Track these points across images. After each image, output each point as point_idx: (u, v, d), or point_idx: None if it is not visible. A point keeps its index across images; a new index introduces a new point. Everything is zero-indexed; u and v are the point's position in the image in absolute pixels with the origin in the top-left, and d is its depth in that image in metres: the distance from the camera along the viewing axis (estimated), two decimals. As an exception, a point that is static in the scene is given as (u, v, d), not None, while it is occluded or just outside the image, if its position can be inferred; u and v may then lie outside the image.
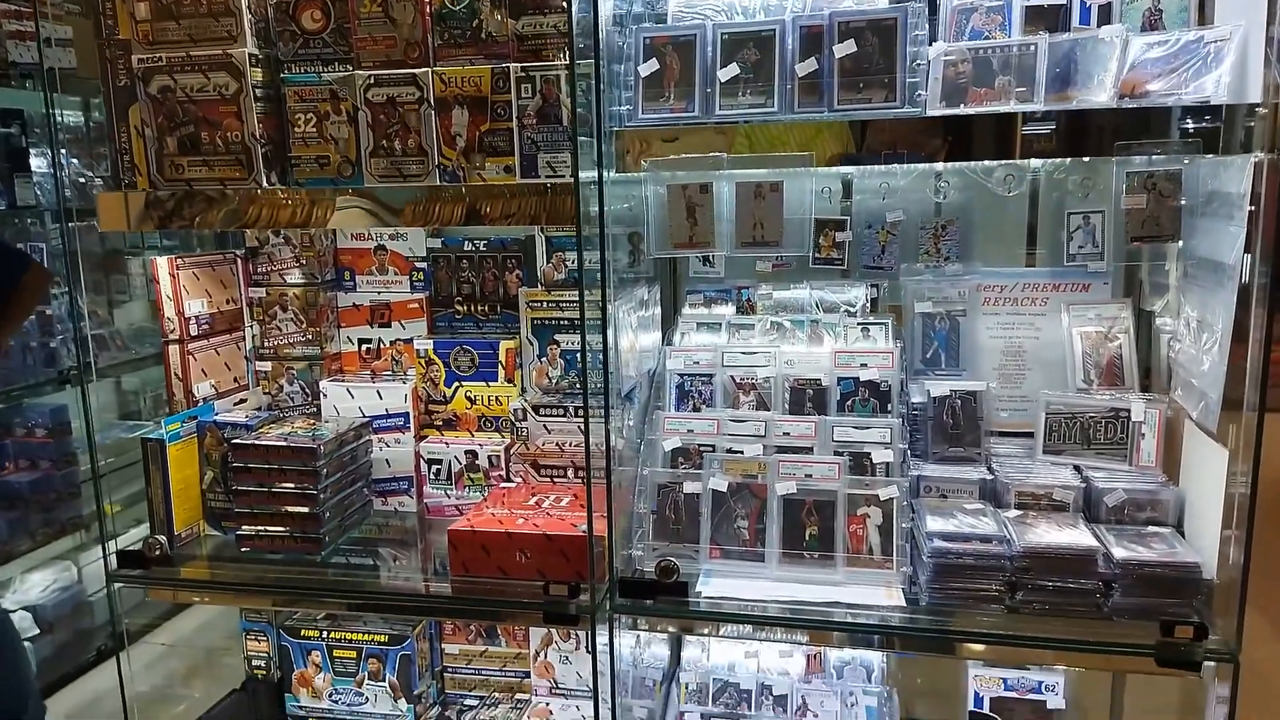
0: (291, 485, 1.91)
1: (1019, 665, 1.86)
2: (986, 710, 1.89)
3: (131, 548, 1.91)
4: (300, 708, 2.33)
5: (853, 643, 1.64)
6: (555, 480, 2.08)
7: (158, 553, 1.87)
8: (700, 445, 1.89)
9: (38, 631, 4.63)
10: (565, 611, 1.71)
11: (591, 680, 1.77)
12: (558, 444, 2.06)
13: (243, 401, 2.18)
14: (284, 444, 1.91)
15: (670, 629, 1.74)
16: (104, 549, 1.88)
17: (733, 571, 1.76)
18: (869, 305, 2.14)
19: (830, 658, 2.22)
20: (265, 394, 2.23)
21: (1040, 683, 1.85)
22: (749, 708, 2.16)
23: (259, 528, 1.93)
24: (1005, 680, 1.87)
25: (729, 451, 1.86)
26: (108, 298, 4.30)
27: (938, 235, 1.98)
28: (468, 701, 2.35)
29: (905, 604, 1.62)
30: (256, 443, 1.92)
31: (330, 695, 2.30)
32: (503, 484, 2.09)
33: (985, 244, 2.02)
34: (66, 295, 4.32)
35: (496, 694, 2.34)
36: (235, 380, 2.24)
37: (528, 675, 2.34)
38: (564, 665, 2.27)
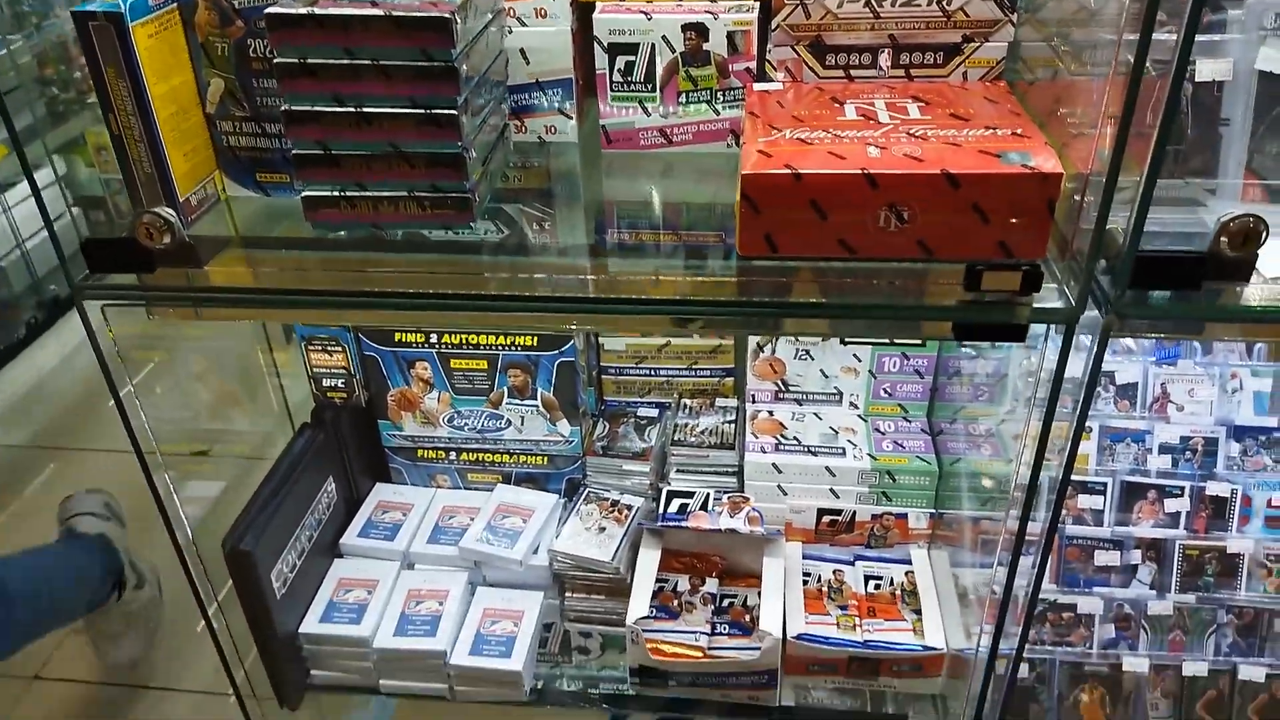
0: (408, 92, 0.97)
1: None
2: None
3: (109, 236, 0.99)
4: (405, 437, 1.59)
5: None
6: (853, 75, 1.17)
7: (168, 240, 0.96)
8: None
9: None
10: (1008, 321, 0.92)
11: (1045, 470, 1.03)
12: (868, 2, 1.12)
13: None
14: (375, 12, 0.93)
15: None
16: (42, 208, 0.96)
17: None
18: None
19: None
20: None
21: None
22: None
23: (343, 180, 1.01)
24: None
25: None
26: None
27: None
28: (641, 412, 1.64)
29: None
30: (317, 11, 0.94)
31: (450, 420, 1.55)
32: (756, 85, 1.17)
33: None
34: None
35: (688, 399, 1.63)
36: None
37: (728, 374, 1.61)
38: (802, 362, 1.54)
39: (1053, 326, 0.97)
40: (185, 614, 1.37)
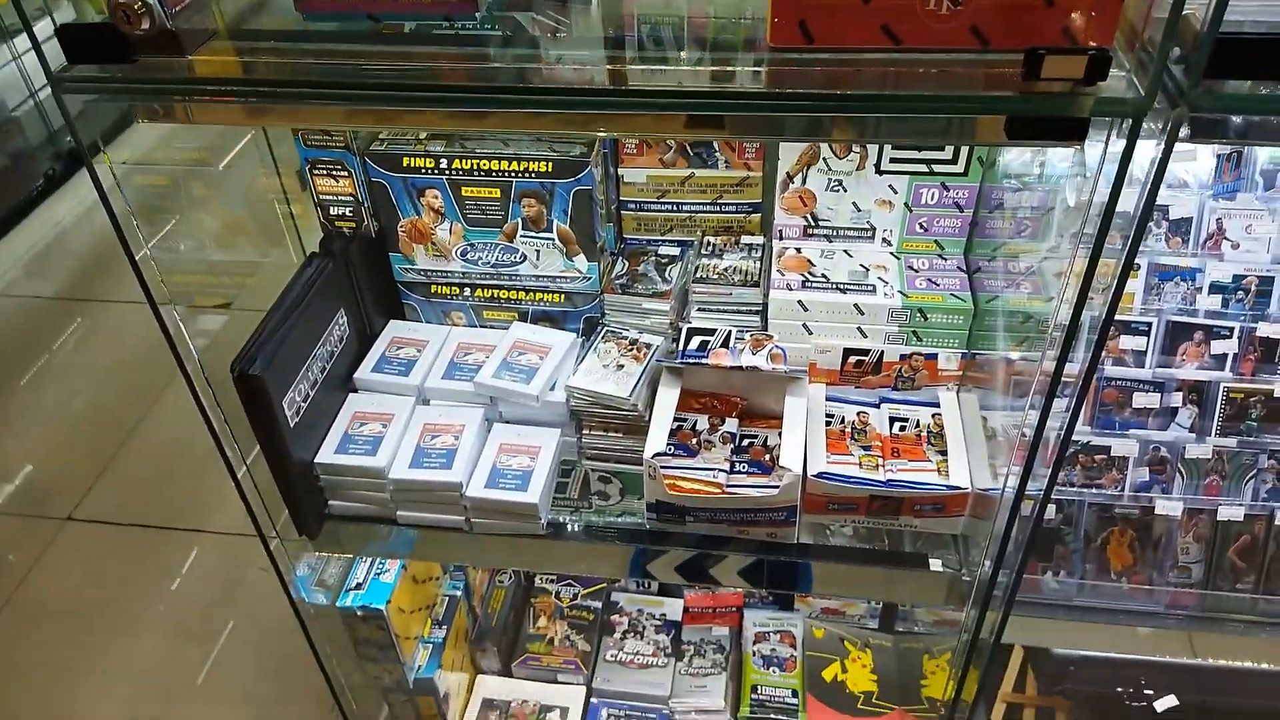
0: None
1: None
2: None
3: (83, 23, 0.92)
4: (417, 270, 1.54)
5: None
6: None
7: (147, 25, 0.88)
8: None
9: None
10: (1070, 113, 0.83)
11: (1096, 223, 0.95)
12: None
13: None
14: None
15: None
16: (26, 25, 0.89)
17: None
18: None
19: (1258, 157, 1.42)
20: None
21: None
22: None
23: (339, -34, 0.93)
24: None
25: None
26: None
27: None
28: (663, 251, 1.57)
29: None
30: None
31: (464, 253, 1.49)
32: None
33: None
34: None
35: (712, 237, 1.55)
36: None
37: (754, 210, 1.54)
38: (834, 194, 1.45)
39: (1114, 131, 0.88)
40: (214, 459, 1.36)
